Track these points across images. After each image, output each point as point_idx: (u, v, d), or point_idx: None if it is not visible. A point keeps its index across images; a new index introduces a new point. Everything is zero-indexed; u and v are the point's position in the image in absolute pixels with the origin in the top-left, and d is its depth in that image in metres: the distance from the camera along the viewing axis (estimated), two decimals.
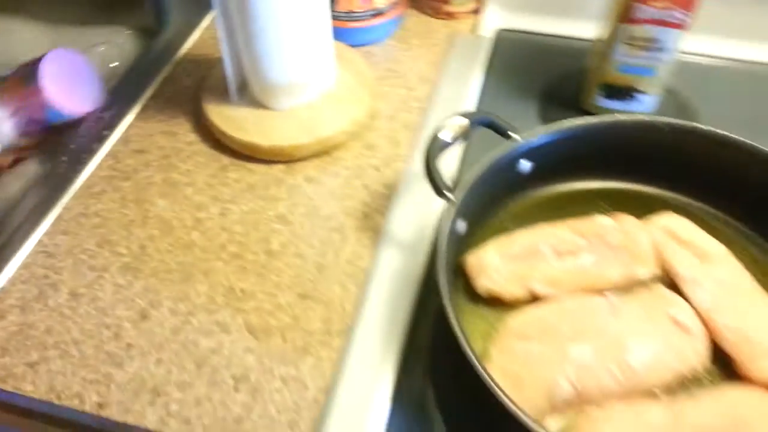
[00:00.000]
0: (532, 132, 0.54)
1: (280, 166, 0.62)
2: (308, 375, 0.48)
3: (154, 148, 0.64)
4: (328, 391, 0.47)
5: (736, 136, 0.52)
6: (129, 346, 0.50)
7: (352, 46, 0.72)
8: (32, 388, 0.48)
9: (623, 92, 0.62)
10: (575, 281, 0.51)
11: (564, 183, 0.58)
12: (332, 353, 0.49)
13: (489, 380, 0.39)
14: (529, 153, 0.54)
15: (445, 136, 0.52)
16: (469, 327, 0.49)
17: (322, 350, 0.49)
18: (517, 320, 0.49)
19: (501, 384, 0.43)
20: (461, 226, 0.51)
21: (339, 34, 0.71)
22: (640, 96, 0.62)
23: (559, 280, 0.51)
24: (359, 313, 0.51)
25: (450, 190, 0.50)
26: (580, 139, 0.55)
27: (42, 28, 0.83)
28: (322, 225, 0.57)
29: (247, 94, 0.65)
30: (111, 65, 0.77)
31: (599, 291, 0.50)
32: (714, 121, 0.54)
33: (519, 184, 0.56)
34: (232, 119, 0.63)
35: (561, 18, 0.75)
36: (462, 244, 0.53)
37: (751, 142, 0.52)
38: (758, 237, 0.54)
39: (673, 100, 0.66)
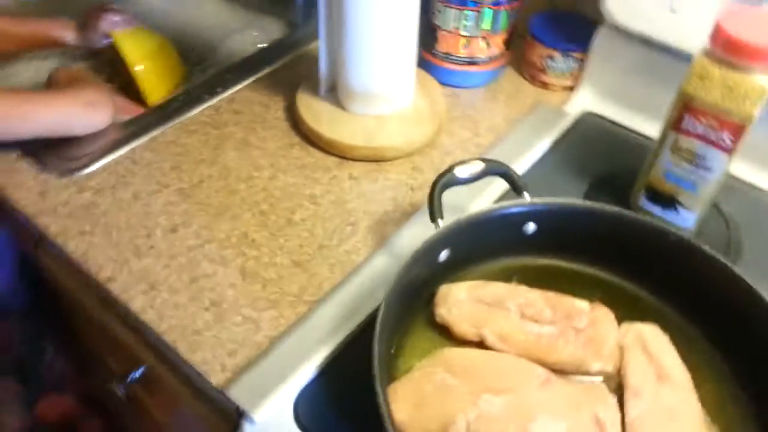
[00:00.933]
0: (544, 198, 0.56)
1: (334, 159, 0.71)
2: (265, 323, 0.56)
3: (248, 112, 0.77)
4: (273, 341, 0.55)
5: (740, 274, 0.50)
6: (152, 246, 0.62)
7: (443, 84, 0.79)
8: (73, 248, 0.62)
9: (665, 200, 0.62)
10: (525, 345, 0.52)
11: (566, 260, 0.59)
12: (293, 315, 0.57)
13: (383, 403, 0.42)
14: (534, 216, 0.56)
15: (460, 172, 0.56)
16: (414, 344, 0.53)
17: (286, 310, 0.57)
18: (451, 352, 0.52)
19: (405, 399, 0.47)
20: (444, 254, 0.55)
21: (434, 71, 0.79)
22: (681, 209, 0.61)
23: (510, 337, 0.53)
24: (330, 296, 0.58)
25: (441, 218, 0.54)
26: (589, 221, 0.56)
27: (223, 8, 1.03)
28: (342, 215, 0.65)
29: (334, 96, 0.75)
30: (259, 45, 0.93)
31: (544, 364, 0.51)
32: (755, 256, 0.52)
33: (523, 245, 0.58)
34: (312, 110, 0.74)
35: (645, 115, 0.75)
36: (446, 274, 0.57)
37: (755, 288, 0.49)
38: (735, 377, 0.51)
39: (718, 225, 0.64)
